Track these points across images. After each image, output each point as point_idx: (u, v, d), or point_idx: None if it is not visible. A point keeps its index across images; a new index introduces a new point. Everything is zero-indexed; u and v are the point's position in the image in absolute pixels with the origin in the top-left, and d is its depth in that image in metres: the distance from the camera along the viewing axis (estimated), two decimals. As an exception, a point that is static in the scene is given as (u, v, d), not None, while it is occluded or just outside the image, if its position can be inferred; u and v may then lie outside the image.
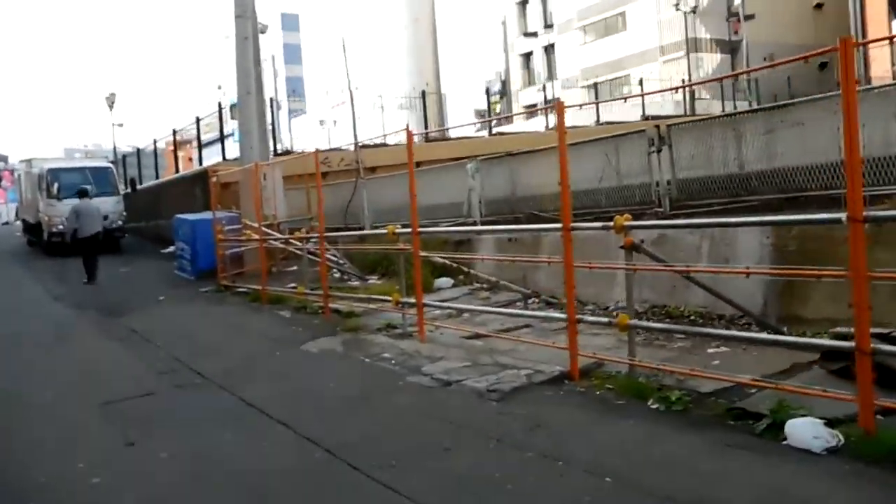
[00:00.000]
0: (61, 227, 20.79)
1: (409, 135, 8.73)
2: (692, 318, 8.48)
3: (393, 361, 7.71)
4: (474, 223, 13.01)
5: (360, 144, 17.19)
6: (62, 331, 10.58)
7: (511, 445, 5.00)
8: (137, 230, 24.39)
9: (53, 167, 21.58)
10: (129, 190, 23.10)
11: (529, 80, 62.04)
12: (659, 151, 9.80)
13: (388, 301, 9.97)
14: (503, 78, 65.75)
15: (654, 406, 5.56)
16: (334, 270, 14.69)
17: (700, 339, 7.38)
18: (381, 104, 32.14)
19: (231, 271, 14.59)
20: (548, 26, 59.55)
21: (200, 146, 21.94)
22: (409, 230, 9.01)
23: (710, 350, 7.20)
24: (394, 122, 27.89)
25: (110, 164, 23.69)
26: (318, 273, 14.03)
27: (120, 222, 21.98)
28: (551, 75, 57.08)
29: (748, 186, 9.61)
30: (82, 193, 17.45)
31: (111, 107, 36.03)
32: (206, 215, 16.83)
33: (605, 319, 7.31)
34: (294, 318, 10.80)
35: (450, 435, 5.32)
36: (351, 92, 17.21)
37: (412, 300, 8.94)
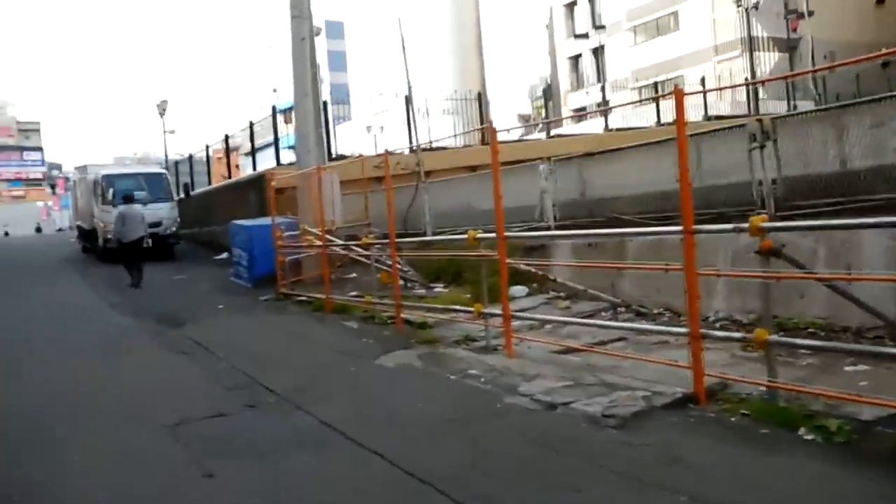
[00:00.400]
0: (115, 233, 20.54)
1: (493, 132, 8.02)
2: (811, 330, 7.64)
3: (482, 379, 7.00)
4: (547, 227, 12.25)
5: (419, 147, 16.50)
6: (121, 341, 10.08)
7: (653, 485, 4.24)
8: (190, 236, 24.11)
9: (108, 173, 21.39)
10: (182, 196, 22.81)
11: (578, 84, 61.12)
12: (762, 147, 8.92)
13: (467, 311, 9.30)
14: (549, 82, 64.90)
15: (809, 437, 4.76)
16: (403, 278, 14.08)
17: (832, 355, 6.54)
18: (427, 108, 31.48)
19: (290, 279, 14.05)
20: (598, 27, 58.48)
21: (254, 151, 21.55)
22: (490, 235, 8.30)
23: (848, 368, 6.36)
24: (439, 127, 27.17)
25: (164, 171, 23.47)
26: (380, 281, 13.54)
27: (174, 228, 21.69)
28: (600, 78, 56.05)
29: (865, 185, 8.71)
30: (128, 199, 17.47)
31: (162, 114, 36.06)
32: (264, 221, 16.36)
33: (738, 334, 6.47)
34: (362, 329, 10.16)
35: (574, 470, 4.58)
36: (410, 89, 16.52)
37: (496, 311, 8.21)
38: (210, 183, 26.32)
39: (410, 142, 22.94)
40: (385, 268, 13.55)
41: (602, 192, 11.73)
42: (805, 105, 31.38)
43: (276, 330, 10.62)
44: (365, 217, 16.98)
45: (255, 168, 21.58)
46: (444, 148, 23.44)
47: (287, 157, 23.10)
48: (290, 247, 13.99)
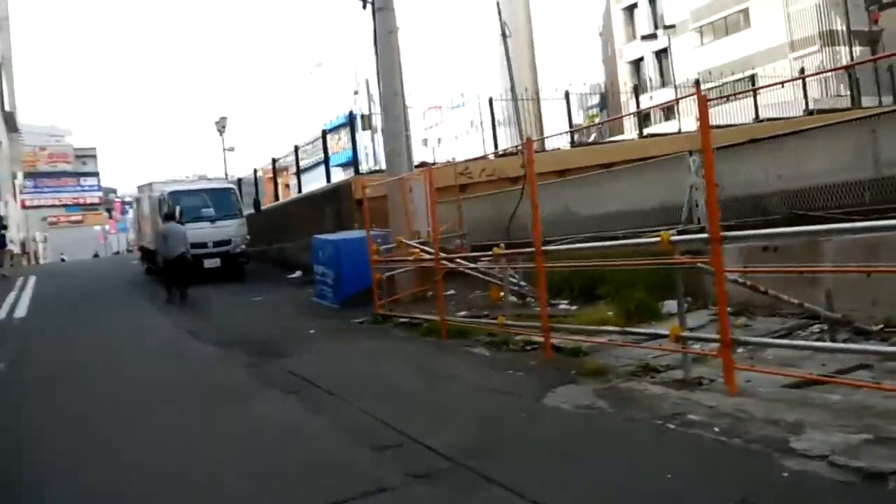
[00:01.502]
0: (185, 252, 19.17)
1: (703, 100, 6.14)
2: None
3: (715, 429, 5.12)
4: (701, 229, 10.29)
5: (512, 148, 14.67)
6: (214, 379, 8.45)
7: None
8: (258, 254, 22.66)
9: (174, 190, 20.07)
10: (253, 211, 21.39)
11: (641, 88, 58.90)
12: None
13: (638, 334, 7.47)
14: (603, 90, 62.78)
15: None
16: (514, 293, 12.29)
17: None
18: (481, 119, 29.56)
19: (385, 298, 12.36)
20: (667, 27, 56.31)
21: (328, 161, 20.00)
22: (692, 237, 6.45)
23: None
24: (491, 139, 25.02)
25: (232, 185, 22.12)
26: (489, 297, 11.82)
27: (243, 246, 20.27)
28: (664, 81, 53.87)
29: None
30: (168, 217, 17.38)
31: (222, 131, 35.02)
32: (353, 234, 14.76)
33: None
34: (498, 358, 8.35)
35: None
36: (513, 82, 14.77)
37: (699, 334, 6.34)
38: (277, 198, 24.90)
39: (496, 147, 21.26)
40: (497, 283, 11.78)
41: (778, 185, 9.73)
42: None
43: (392, 361, 8.85)
44: (458, 226, 15.25)
45: (328, 180, 20.02)
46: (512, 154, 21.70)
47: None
48: (389, 261, 12.28)
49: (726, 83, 43.60)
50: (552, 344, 8.14)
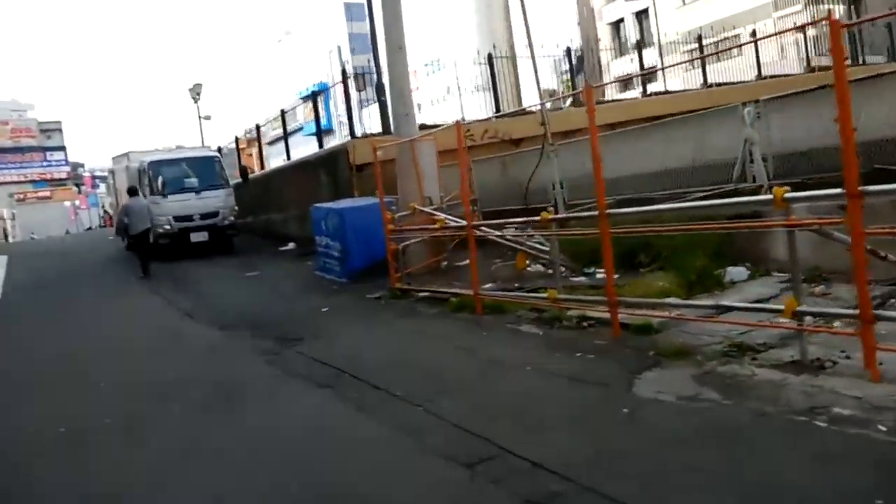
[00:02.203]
0: (168, 227, 17.91)
1: (836, 26, 5.07)
2: None
3: (882, 427, 4.16)
4: (758, 188, 9.28)
5: (545, 104, 13.55)
6: (227, 373, 7.31)
7: None
8: (244, 227, 21.34)
9: (155, 160, 18.67)
10: (241, 180, 20.05)
11: (621, 51, 57.72)
12: None
13: (715, 308, 6.51)
14: (579, 53, 61.46)
15: None
16: (537, 263, 11.29)
17: None
18: (458, 85, 27.87)
19: (402, 270, 11.28)
20: (629, -7, 55.20)
21: (319, 125, 18.69)
22: (818, 194, 5.44)
23: None
24: (472, 101, 23.38)
25: (216, 154, 20.69)
26: (510, 268, 10.86)
27: (232, 218, 18.95)
28: (644, 42, 52.75)
29: None
30: (132, 192, 16.52)
31: (196, 99, 33.38)
32: (358, 202, 13.62)
33: None
34: (555, 338, 7.33)
35: None
36: (530, 39, 13.51)
37: (826, 309, 5.35)
38: (263, 167, 23.54)
39: (497, 107, 20.10)
40: (534, 251, 10.76)
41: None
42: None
43: (431, 343, 7.79)
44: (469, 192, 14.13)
45: (320, 145, 18.75)
46: (527, 112, 20.54)
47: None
48: (408, 230, 11.17)
49: (722, 39, 42.58)
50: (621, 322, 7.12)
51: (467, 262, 13.15)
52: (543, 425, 4.80)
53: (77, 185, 69.58)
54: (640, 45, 29.02)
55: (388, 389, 5.96)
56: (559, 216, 8.18)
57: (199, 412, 6.02)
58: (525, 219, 9.55)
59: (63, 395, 7.07)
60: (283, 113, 20.88)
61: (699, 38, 25.86)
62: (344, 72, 17.15)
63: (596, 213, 7.22)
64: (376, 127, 17.64)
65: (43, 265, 19.90)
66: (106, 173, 70.27)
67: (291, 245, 18.92)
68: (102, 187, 61.40)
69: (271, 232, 21.10)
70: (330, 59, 76.81)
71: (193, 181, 18.45)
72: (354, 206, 13.06)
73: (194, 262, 17.31)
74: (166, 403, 6.34)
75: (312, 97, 18.74)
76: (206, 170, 18.93)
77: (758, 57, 24.85)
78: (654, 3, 49.93)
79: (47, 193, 63.82)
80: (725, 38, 43.44)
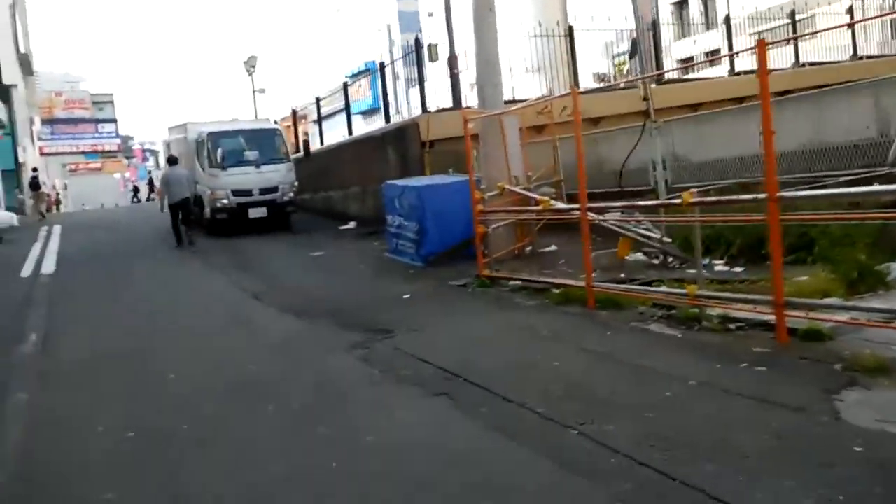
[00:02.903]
0: (226, 201, 17.09)
1: None
2: None
3: None
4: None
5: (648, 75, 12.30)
6: (316, 372, 6.32)
7: None
8: (302, 204, 20.46)
9: (214, 131, 17.81)
10: (302, 155, 19.12)
11: (683, 32, 55.65)
12: None
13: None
14: (635, 35, 59.53)
15: None
16: (646, 252, 10.15)
17: None
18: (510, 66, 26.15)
19: (490, 256, 10.22)
20: (707, -30, 53.12)
21: (387, 99, 17.64)
22: None
23: None
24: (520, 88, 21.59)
25: (278, 126, 19.80)
26: (611, 257, 9.82)
27: (291, 194, 18.08)
28: (709, 24, 50.73)
29: None
30: (172, 161, 17.05)
31: (251, 72, 32.62)
32: (437, 180, 12.59)
33: None
34: (699, 342, 6.22)
35: None
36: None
37: None
38: (322, 142, 22.60)
39: (575, 81, 18.87)
40: (641, 237, 9.64)
41: None
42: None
43: (547, 342, 6.69)
44: (554, 172, 13.03)
45: (387, 120, 17.71)
46: (614, 87, 19.33)
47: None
48: (502, 212, 10.10)
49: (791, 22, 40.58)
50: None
51: (554, 247, 12.17)
52: (754, 465, 3.71)
53: (127, 158, 69.77)
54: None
55: (522, 403, 4.90)
56: (705, 200, 6.94)
57: (296, 420, 5.03)
58: (639, 202, 8.39)
59: (128, 390, 6.17)
60: (345, 86, 19.96)
61: (792, 14, 24.03)
62: (417, 41, 16.00)
63: (752, 195, 6.02)
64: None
65: (96, 237, 19.26)
66: (157, 146, 70.31)
67: (352, 224, 18.02)
68: (152, 160, 61.41)
69: (330, 210, 20.21)
70: (378, 37, 75.94)
71: (253, 154, 17.58)
72: (433, 183, 12.02)
73: (253, 239, 16.48)
74: (254, 407, 5.37)
75: (380, 68, 17.64)
76: (266, 143, 18.05)
77: (854, 36, 23.11)
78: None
79: (98, 165, 64.05)
80: (801, 20, 41.29)
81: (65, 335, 8.64)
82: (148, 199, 48.82)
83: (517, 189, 10.64)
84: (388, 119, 17.54)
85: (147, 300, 10.53)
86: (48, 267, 14.15)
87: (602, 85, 19.26)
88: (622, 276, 9.23)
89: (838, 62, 22.81)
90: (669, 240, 9.65)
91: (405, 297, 9.38)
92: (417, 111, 17.04)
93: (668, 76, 20.28)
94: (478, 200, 9.92)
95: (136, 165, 69.23)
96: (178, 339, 7.91)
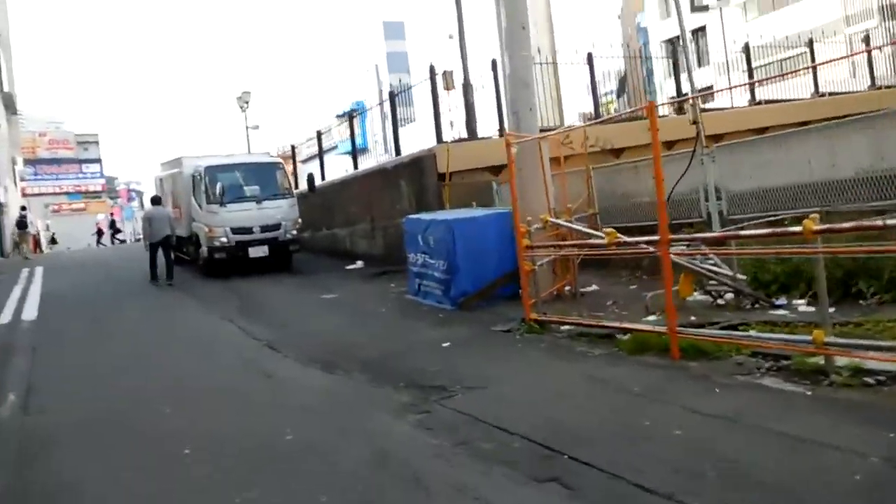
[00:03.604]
0: (224, 239, 15.88)
1: None
2: None
3: None
4: None
5: (697, 98, 11.26)
6: (363, 437, 5.11)
7: None
8: (302, 242, 19.26)
9: (212, 164, 16.64)
10: (307, 190, 17.96)
11: (674, 70, 55.48)
12: None
13: None
14: (623, 73, 59.37)
15: None
16: (709, 290, 9.04)
17: None
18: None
19: (538, 297, 9.04)
20: (697, 8, 53.24)
21: (397, 129, 16.58)
22: None
23: None
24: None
25: (280, 160, 18.67)
26: (677, 294, 8.69)
27: (294, 232, 16.89)
28: (701, 61, 50.52)
29: None
30: (154, 201, 17.21)
31: (244, 108, 31.66)
32: (466, 213, 11.49)
33: None
34: (841, 402, 5.03)
35: None
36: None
37: None
38: (323, 177, 21.48)
39: (597, 111, 17.99)
40: (710, 274, 8.53)
41: None
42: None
43: (649, 406, 5.45)
44: (588, 205, 11.97)
45: (398, 152, 16.65)
46: (638, 118, 18.39)
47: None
48: (554, 247, 8.97)
49: (786, 59, 40.26)
50: None
51: (595, 287, 11.03)
52: None
53: (112, 198, 68.39)
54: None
55: (669, 495, 3.70)
56: (835, 227, 5.79)
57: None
58: (740, 230, 7.26)
59: (134, 473, 4.89)
60: (350, 118, 19.05)
61: (811, 43, 23.38)
62: (432, 69, 15.01)
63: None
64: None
65: (83, 281, 17.92)
66: (142, 186, 68.85)
67: (359, 263, 16.87)
68: (137, 200, 60.07)
69: (335, 248, 19.05)
70: (366, 77, 75.60)
71: (254, 189, 16.44)
72: (464, 217, 10.89)
73: (254, 281, 15.26)
74: (302, 496, 4.12)
75: (390, 97, 16.63)
76: (267, 177, 16.91)
77: (871, 68, 22.42)
78: (721, 17, 47.78)
79: (82, 206, 62.57)
80: (792, 57, 41.02)
81: (50, 393, 7.34)
82: (112, 242, 46.97)
83: (562, 222, 9.53)
84: (398, 151, 16.45)
85: (144, 350, 9.25)
86: (30, 312, 12.83)
87: (627, 113, 18.30)
88: (693, 318, 8.11)
89: (857, 92, 22.13)
90: (744, 277, 8.54)
91: (444, 345, 8.18)
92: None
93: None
94: (523, 234, 8.77)
95: (122, 206, 67.73)
96: (186, 400, 6.64)
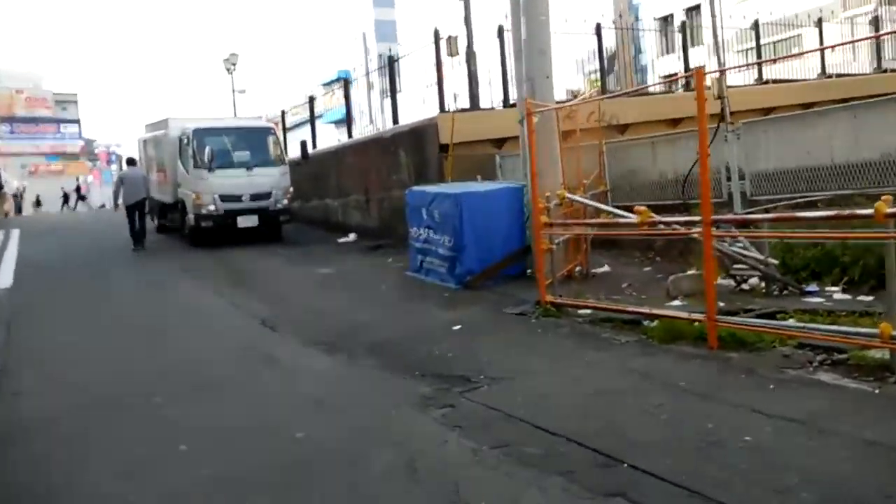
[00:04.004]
0: (212, 207, 15.18)
1: None
2: None
3: None
4: None
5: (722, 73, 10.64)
6: (386, 439, 4.55)
7: None
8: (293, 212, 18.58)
9: (201, 127, 15.84)
10: (300, 158, 17.21)
11: (667, 48, 54.78)
12: None
13: None
14: (613, 50, 58.61)
15: None
16: (733, 275, 8.54)
17: None
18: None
19: (553, 277, 8.48)
20: (696, -18, 52.38)
21: (395, 96, 15.84)
22: None
23: None
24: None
25: (272, 126, 17.89)
26: (696, 281, 8.27)
27: (285, 201, 16.19)
28: (694, 41, 49.85)
29: None
30: (130, 162, 17.10)
31: (231, 70, 30.67)
32: (473, 187, 10.87)
33: None
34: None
35: None
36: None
37: None
38: (314, 146, 20.72)
39: (604, 85, 17.41)
40: (739, 257, 8.02)
41: None
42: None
43: (705, 403, 4.93)
44: (600, 181, 11.41)
45: (395, 121, 15.95)
46: (647, 93, 17.87)
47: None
48: (578, 224, 8.42)
49: (788, 38, 39.72)
50: None
51: (607, 268, 10.51)
52: None
53: (91, 160, 66.90)
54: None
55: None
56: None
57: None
58: (797, 212, 6.72)
59: (118, 472, 4.30)
60: (346, 83, 18.18)
61: (819, 21, 22.84)
62: (436, 32, 14.28)
63: None
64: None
65: (61, 242, 17.15)
66: (122, 149, 67.28)
67: (352, 236, 16.26)
68: (117, 164, 58.71)
69: (326, 220, 18.40)
70: (355, 45, 74.11)
71: (245, 155, 15.69)
72: (472, 191, 10.30)
73: (243, 251, 14.60)
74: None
75: (389, 62, 15.90)
76: (258, 143, 16.16)
77: (878, 51, 21.95)
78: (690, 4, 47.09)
79: (60, 167, 61.11)
80: (793, 37, 40.48)
81: (29, 376, 6.70)
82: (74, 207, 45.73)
83: (585, 199, 8.96)
84: (395, 120, 15.74)
85: (131, 327, 8.60)
86: (4, 280, 12.12)
87: (635, 88, 17.79)
88: (721, 305, 7.59)
89: (863, 74, 21.70)
90: (775, 261, 8.03)
91: (455, 328, 7.62)
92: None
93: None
94: (542, 210, 8.19)
95: (101, 169, 66.26)
96: (180, 387, 6.02)
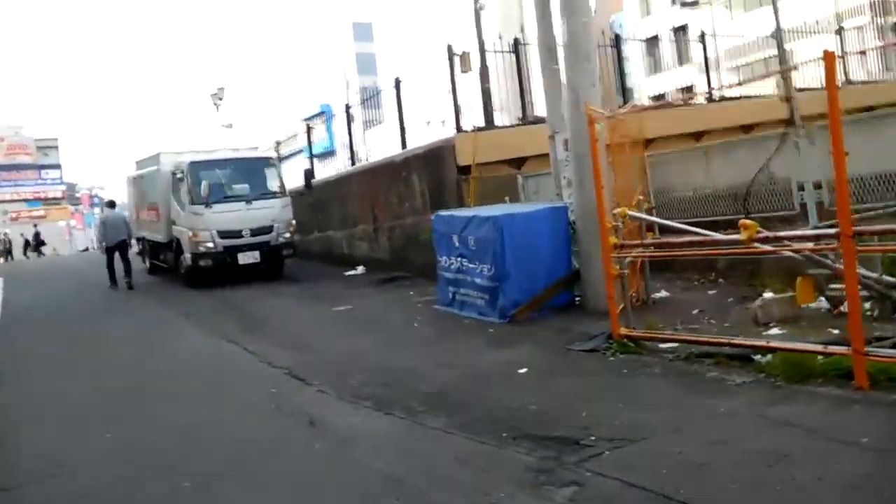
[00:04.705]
0: (210, 244, 13.97)
1: None
2: None
3: None
4: None
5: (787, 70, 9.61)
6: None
7: None
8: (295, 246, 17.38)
9: (196, 161, 14.66)
10: (303, 187, 16.03)
11: (655, 67, 54.40)
12: None
13: None
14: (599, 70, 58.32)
15: None
16: (829, 296, 7.43)
17: None
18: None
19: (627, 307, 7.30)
20: (685, 4, 52.33)
21: (403, 118, 14.75)
22: None
23: None
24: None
25: (271, 156, 16.73)
26: (785, 305, 7.17)
27: (288, 234, 15.00)
28: (682, 60, 49.47)
29: None
30: (110, 205, 16.76)
31: (218, 105, 29.65)
32: (510, 209, 9.75)
33: None
34: None
35: None
36: None
37: None
38: (312, 176, 19.60)
39: (624, 95, 16.42)
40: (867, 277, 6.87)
41: None
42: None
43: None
44: (641, 196, 10.28)
45: (404, 145, 14.85)
46: (671, 104, 16.93)
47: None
48: (659, 245, 7.28)
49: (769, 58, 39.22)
50: None
51: (664, 293, 9.38)
52: None
53: (73, 204, 65.52)
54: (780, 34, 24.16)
55: None
56: None
57: None
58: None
59: None
60: (347, 110, 17.13)
61: (840, 31, 22.17)
62: (450, 48, 13.24)
63: None
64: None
65: (51, 293, 15.85)
66: (104, 192, 65.92)
67: (360, 269, 15.11)
68: (101, 207, 57.30)
69: (329, 253, 17.23)
70: (337, 79, 73.40)
71: (244, 188, 14.55)
72: (512, 212, 9.15)
73: (247, 290, 13.40)
74: None
75: (396, 84, 14.81)
76: (258, 175, 15.02)
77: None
78: (712, 16, 46.78)
79: (41, 213, 59.65)
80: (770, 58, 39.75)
81: (17, 446, 5.44)
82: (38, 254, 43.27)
83: (637, 215, 7.84)
84: (404, 143, 14.64)
85: (135, 382, 7.32)
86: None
87: (657, 103, 16.89)
88: (832, 332, 6.46)
89: (884, 81, 21.01)
90: (893, 279, 6.91)
91: (521, 371, 6.44)
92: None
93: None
94: (607, 228, 7.05)
95: (83, 212, 64.78)
96: (209, 464, 4.77)
